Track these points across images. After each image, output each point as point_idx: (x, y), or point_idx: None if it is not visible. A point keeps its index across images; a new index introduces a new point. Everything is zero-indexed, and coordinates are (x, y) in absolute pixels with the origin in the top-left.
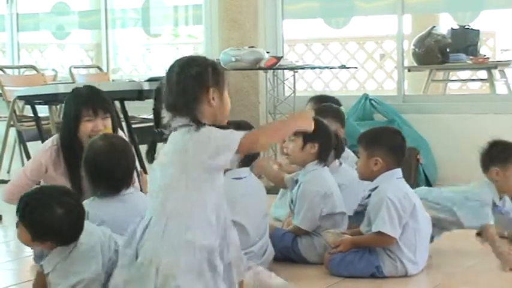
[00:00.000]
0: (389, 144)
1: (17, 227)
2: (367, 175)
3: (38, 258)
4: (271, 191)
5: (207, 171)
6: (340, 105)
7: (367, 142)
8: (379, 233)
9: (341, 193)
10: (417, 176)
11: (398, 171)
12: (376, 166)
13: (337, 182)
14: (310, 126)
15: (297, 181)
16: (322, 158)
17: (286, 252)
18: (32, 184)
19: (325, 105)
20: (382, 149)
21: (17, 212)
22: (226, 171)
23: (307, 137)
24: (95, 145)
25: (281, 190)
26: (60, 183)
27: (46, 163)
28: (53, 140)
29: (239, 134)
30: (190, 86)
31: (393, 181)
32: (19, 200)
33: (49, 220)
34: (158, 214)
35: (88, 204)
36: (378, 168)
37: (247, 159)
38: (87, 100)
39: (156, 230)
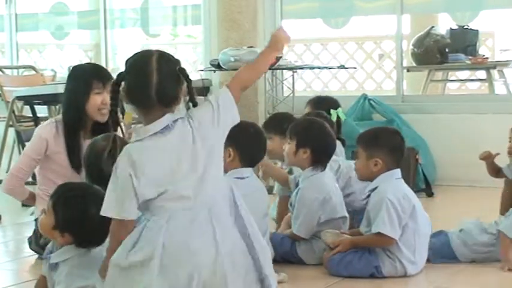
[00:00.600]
0: (389, 145)
1: (44, 212)
2: (367, 176)
3: (48, 254)
4: (271, 191)
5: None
6: (339, 106)
7: (367, 143)
8: (379, 234)
9: None
10: (416, 176)
11: (397, 172)
12: (376, 167)
13: None
14: (285, 44)
15: (297, 184)
16: (317, 163)
17: (286, 256)
18: (35, 165)
19: (315, 113)
20: (382, 150)
21: (52, 196)
22: (228, 170)
23: (299, 143)
24: (96, 145)
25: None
26: (59, 161)
27: (47, 137)
28: (51, 119)
29: (225, 89)
30: (177, 78)
31: (393, 182)
32: (60, 185)
33: (81, 214)
34: (198, 206)
35: None
36: (377, 169)
37: (251, 160)
38: (96, 72)
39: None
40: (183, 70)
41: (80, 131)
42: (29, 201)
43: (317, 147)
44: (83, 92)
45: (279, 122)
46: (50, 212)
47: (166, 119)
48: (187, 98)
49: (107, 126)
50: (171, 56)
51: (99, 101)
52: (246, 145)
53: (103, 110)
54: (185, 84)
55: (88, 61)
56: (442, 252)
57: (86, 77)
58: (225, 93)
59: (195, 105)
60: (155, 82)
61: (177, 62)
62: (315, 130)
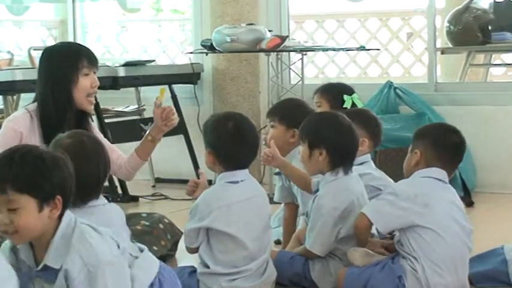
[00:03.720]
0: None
1: None
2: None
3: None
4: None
5: None
6: (353, 92)
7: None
8: None
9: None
10: (452, 182)
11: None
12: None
13: (375, 185)
14: None
15: (317, 190)
16: (337, 165)
17: (298, 279)
18: None
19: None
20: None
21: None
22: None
23: (312, 143)
24: (61, 143)
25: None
26: None
27: (22, 130)
28: (23, 109)
29: None
30: None
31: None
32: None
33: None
34: None
35: None
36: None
37: (237, 161)
38: (82, 51)
39: None
40: None
41: (63, 123)
42: None
43: (333, 146)
44: (69, 75)
45: (287, 108)
46: (19, 197)
47: None
48: None
49: (87, 118)
50: None
51: (88, 84)
52: (222, 144)
53: (92, 95)
54: None
55: (53, 41)
56: (493, 278)
57: (71, 56)
58: None
59: None
60: None
61: None
62: (328, 125)
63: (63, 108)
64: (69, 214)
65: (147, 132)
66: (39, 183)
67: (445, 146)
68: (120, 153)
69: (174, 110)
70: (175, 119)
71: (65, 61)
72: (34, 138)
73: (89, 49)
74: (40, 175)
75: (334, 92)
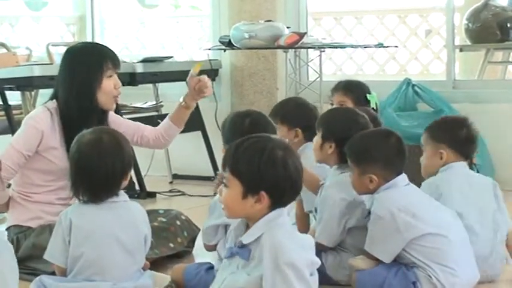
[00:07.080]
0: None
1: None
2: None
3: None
4: None
5: None
6: (369, 92)
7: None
8: None
9: None
10: None
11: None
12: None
13: None
14: None
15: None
16: (344, 160)
17: None
18: (24, 163)
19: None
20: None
21: (227, 159)
22: None
23: (324, 135)
24: (82, 138)
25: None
26: (50, 158)
27: (44, 129)
28: (42, 107)
29: None
30: None
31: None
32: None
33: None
34: None
35: (71, 211)
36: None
37: None
38: (106, 52)
39: None
40: None
41: (85, 123)
42: (1, 207)
43: (343, 142)
44: (93, 77)
45: (286, 109)
46: (231, 178)
47: None
48: None
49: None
50: None
51: (112, 86)
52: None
53: (116, 96)
54: None
55: (71, 37)
56: None
57: (95, 58)
58: None
59: None
60: None
61: None
62: (342, 121)
63: (86, 110)
64: (281, 212)
65: (181, 99)
66: (248, 175)
67: (395, 158)
68: (150, 128)
69: (209, 82)
70: (208, 92)
71: (89, 62)
72: (55, 137)
73: (111, 50)
74: (251, 169)
75: (359, 91)
